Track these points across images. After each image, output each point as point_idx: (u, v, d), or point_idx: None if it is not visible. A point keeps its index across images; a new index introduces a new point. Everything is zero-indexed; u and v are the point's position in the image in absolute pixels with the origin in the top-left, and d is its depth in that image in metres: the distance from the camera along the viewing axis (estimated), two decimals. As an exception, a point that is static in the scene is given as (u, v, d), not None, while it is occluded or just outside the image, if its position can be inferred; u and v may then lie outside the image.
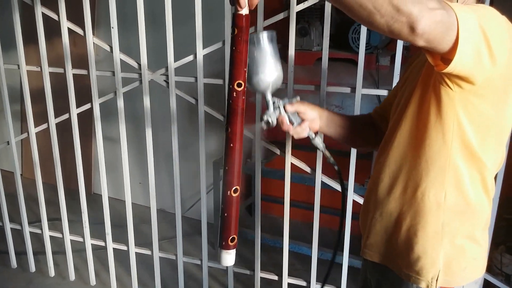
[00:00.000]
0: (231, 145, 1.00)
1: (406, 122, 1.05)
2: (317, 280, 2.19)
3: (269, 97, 1.20)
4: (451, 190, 1.02)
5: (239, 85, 0.98)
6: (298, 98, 1.25)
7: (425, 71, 1.01)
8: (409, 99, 1.05)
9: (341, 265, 2.13)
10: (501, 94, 0.94)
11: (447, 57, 0.85)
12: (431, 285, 1.06)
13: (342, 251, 2.10)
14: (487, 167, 1.01)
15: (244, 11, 0.95)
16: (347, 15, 0.84)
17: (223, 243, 1.04)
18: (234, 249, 1.05)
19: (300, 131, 1.22)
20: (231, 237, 1.03)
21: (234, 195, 1.02)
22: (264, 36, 1.15)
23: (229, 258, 1.05)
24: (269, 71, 1.16)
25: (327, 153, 1.31)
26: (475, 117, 0.95)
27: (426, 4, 0.78)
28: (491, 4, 1.71)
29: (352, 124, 1.33)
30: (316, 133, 1.28)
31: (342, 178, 1.38)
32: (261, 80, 1.16)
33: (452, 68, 0.85)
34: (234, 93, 0.98)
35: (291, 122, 1.23)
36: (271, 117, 1.18)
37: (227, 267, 2.30)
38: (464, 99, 0.93)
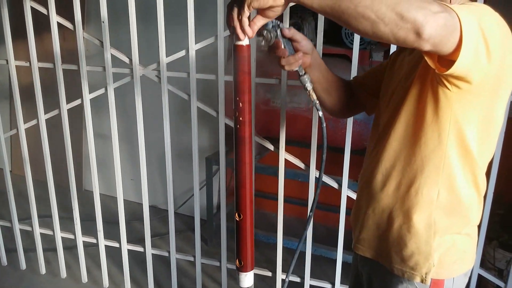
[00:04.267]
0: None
1: (401, 120, 1.06)
2: (311, 276, 2.19)
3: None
4: (445, 188, 1.03)
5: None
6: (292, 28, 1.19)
7: (421, 70, 1.01)
8: (404, 97, 1.05)
9: (335, 260, 2.13)
10: (493, 93, 0.95)
11: (449, 58, 0.85)
12: (425, 280, 1.08)
13: (336, 246, 2.10)
14: (479, 165, 1.03)
15: (245, 41, 0.95)
16: (351, 29, 0.84)
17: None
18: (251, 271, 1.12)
19: (293, 61, 1.14)
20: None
21: (238, 219, 1.08)
22: None
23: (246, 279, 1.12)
24: None
25: (314, 95, 1.21)
26: (470, 116, 0.96)
27: (429, 8, 0.78)
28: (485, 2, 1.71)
29: (332, 77, 1.29)
30: (305, 70, 1.20)
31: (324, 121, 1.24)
32: None
33: (454, 69, 0.85)
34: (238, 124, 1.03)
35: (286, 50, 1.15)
36: (271, 33, 1.09)
37: (220, 264, 2.29)
38: (461, 98, 0.94)
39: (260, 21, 0.96)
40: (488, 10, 0.89)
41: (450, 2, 0.98)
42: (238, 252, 1.10)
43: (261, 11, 0.95)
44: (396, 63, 1.19)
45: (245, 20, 0.93)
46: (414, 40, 0.80)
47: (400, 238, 1.08)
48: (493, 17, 0.89)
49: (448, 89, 0.93)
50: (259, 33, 1.08)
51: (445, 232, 1.06)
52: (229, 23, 0.96)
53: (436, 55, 0.87)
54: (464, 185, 1.03)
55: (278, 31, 1.12)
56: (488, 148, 1.04)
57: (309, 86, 1.19)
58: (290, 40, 1.14)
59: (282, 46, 1.13)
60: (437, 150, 1.00)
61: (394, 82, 1.15)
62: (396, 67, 1.18)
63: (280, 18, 1.86)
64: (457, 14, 0.81)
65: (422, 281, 1.08)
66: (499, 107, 0.99)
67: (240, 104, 1.02)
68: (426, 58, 0.89)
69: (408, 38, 0.79)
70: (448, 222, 1.06)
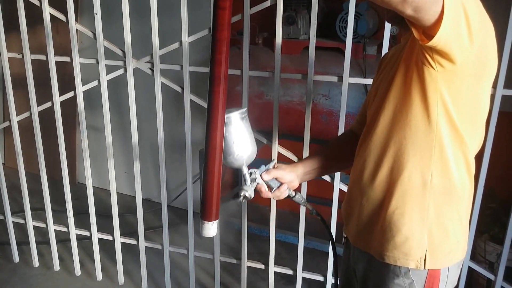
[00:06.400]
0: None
1: (389, 106, 1.07)
2: (304, 269, 2.20)
3: (245, 171, 1.20)
4: (437, 170, 1.04)
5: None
6: (275, 161, 1.28)
7: (405, 54, 1.03)
8: (390, 83, 1.06)
9: (327, 253, 2.14)
10: (477, 76, 0.97)
11: (430, 33, 0.87)
12: (419, 265, 1.08)
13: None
14: (469, 147, 1.04)
15: None
16: None
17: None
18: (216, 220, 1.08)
19: (279, 194, 1.25)
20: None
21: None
22: (236, 116, 1.15)
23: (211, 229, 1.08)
24: (243, 149, 1.17)
25: (309, 206, 1.34)
26: (457, 98, 0.98)
27: None
28: None
29: (330, 156, 1.36)
30: (295, 192, 1.30)
31: (325, 221, 1.40)
32: (236, 159, 1.17)
33: (436, 40, 0.87)
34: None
35: (270, 187, 1.24)
36: (248, 190, 1.18)
37: (213, 256, 2.30)
38: (446, 79, 0.95)
39: None
40: None
41: None
42: (203, 201, 1.07)
43: None
44: (382, 66, 1.22)
45: None
46: (398, 1, 0.81)
47: (393, 224, 1.09)
48: (474, 2, 0.91)
49: (433, 67, 0.94)
50: (238, 194, 1.17)
51: (438, 217, 1.07)
52: None
53: (420, 27, 0.88)
54: (456, 167, 1.04)
55: (258, 178, 1.21)
56: (476, 132, 1.05)
57: (303, 202, 1.32)
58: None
59: (266, 189, 1.23)
60: (427, 132, 1.01)
61: (381, 75, 1.17)
62: (382, 68, 1.20)
63: (273, 12, 1.87)
64: None
65: (416, 266, 1.08)
66: (483, 92, 1.01)
67: (217, 41, 0.97)
68: (411, 26, 0.91)
69: None
70: (442, 206, 1.06)
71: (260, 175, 1.22)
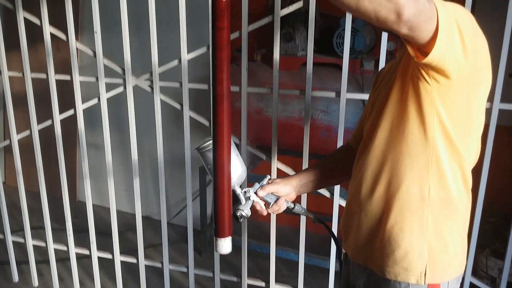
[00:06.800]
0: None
1: (385, 121, 1.07)
2: (304, 286, 2.19)
3: (238, 191, 1.20)
4: (435, 184, 1.04)
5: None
6: (268, 177, 1.28)
7: (401, 70, 1.04)
8: (386, 99, 1.07)
9: (328, 270, 2.13)
10: (471, 89, 0.98)
11: (425, 50, 0.88)
12: (420, 280, 1.08)
13: (329, 255, 2.10)
14: (466, 160, 1.05)
15: None
16: (333, 2, 0.84)
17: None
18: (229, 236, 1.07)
19: (278, 208, 1.25)
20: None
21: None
22: None
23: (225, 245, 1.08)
24: (232, 170, 1.15)
25: (311, 215, 1.34)
26: (452, 111, 0.98)
27: None
28: (473, 7, 1.74)
29: (328, 169, 1.37)
30: (294, 203, 1.30)
31: (328, 227, 1.39)
32: None
33: (431, 58, 0.88)
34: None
35: (267, 203, 1.24)
36: (244, 210, 1.18)
37: (213, 274, 2.28)
38: (441, 93, 0.96)
39: None
40: (465, 11, 0.93)
41: None
42: (215, 218, 1.06)
43: None
44: (378, 81, 1.23)
45: None
46: (393, 21, 0.82)
47: (392, 239, 1.09)
48: (468, 18, 0.92)
49: (428, 83, 0.95)
50: (234, 215, 1.17)
51: (437, 231, 1.07)
52: None
53: (415, 44, 0.89)
54: (453, 180, 1.05)
55: (253, 196, 1.21)
56: (471, 145, 1.06)
57: (303, 212, 1.32)
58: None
59: (262, 206, 1.23)
60: (424, 146, 1.02)
61: (377, 90, 1.18)
62: (378, 82, 1.21)
63: (271, 29, 1.89)
64: (435, 5, 0.85)
65: (417, 281, 1.07)
66: (478, 105, 1.02)
67: (218, 61, 0.99)
68: (406, 45, 0.92)
69: (389, 18, 0.81)
70: (440, 220, 1.07)
71: (255, 192, 1.22)
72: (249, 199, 1.21)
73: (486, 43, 0.98)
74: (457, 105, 0.98)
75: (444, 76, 0.93)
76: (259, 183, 1.25)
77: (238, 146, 1.17)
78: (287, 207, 1.27)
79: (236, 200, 1.19)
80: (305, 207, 1.38)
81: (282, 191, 1.26)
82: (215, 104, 0.99)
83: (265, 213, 1.25)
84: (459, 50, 0.89)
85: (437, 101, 0.97)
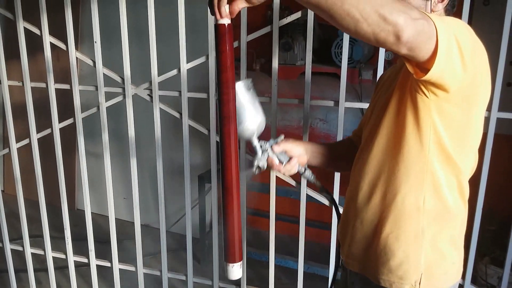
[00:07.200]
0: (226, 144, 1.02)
1: (383, 131, 1.08)
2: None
3: (255, 142, 1.22)
4: (430, 194, 1.05)
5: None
6: (283, 136, 1.29)
7: (400, 80, 1.05)
8: (385, 108, 1.08)
9: (327, 278, 2.12)
10: (470, 101, 0.99)
11: (425, 66, 0.89)
12: None
13: (328, 263, 2.09)
14: (462, 171, 1.05)
15: (225, 21, 0.95)
16: (333, 24, 0.85)
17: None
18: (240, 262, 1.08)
19: (290, 168, 1.27)
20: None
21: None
22: (240, 86, 1.16)
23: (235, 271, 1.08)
24: (251, 119, 1.18)
25: (318, 183, 1.35)
26: (449, 123, 0.99)
27: (410, 14, 0.82)
28: (470, 17, 1.75)
29: (334, 151, 1.39)
30: (305, 167, 1.32)
31: (334, 201, 1.41)
32: (245, 129, 1.18)
33: (430, 75, 0.89)
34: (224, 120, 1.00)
35: (280, 161, 1.26)
36: (262, 161, 1.21)
37: (212, 282, 2.28)
38: (439, 106, 0.97)
39: (242, 4, 0.93)
40: (463, 24, 0.94)
41: (431, 12, 1.04)
42: (225, 244, 1.07)
43: None
44: (379, 86, 1.24)
45: (223, 1, 0.92)
46: (392, 43, 0.83)
47: (388, 248, 1.09)
48: (467, 31, 0.93)
49: (426, 96, 0.96)
50: (252, 164, 1.21)
51: (433, 240, 1.07)
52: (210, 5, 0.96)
53: (415, 62, 0.90)
54: (449, 191, 1.06)
55: (269, 150, 1.23)
56: (468, 156, 1.06)
57: (312, 179, 1.33)
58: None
59: (277, 162, 1.24)
60: (419, 157, 1.03)
61: (376, 97, 1.19)
62: (379, 88, 1.22)
63: (269, 39, 1.90)
64: (434, 23, 0.85)
65: None
66: (476, 116, 1.02)
67: (222, 83, 1.01)
68: (405, 62, 0.92)
69: (388, 39, 0.82)
70: (435, 229, 1.07)
71: (271, 147, 1.23)
72: (266, 151, 1.22)
73: (486, 54, 0.98)
74: (455, 117, 0.99)
75: (443, 90, 0.93)
76: (273, 140, 1.26)
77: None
78: (298, 171, 1.29)
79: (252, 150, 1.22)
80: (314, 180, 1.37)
81: (295, 151, 1.28)
82: (222, 126, 1.02)
83: (281, 169, 1.25)
84: (458, 65, 0.90)
85: (434, 113, 0.98)
